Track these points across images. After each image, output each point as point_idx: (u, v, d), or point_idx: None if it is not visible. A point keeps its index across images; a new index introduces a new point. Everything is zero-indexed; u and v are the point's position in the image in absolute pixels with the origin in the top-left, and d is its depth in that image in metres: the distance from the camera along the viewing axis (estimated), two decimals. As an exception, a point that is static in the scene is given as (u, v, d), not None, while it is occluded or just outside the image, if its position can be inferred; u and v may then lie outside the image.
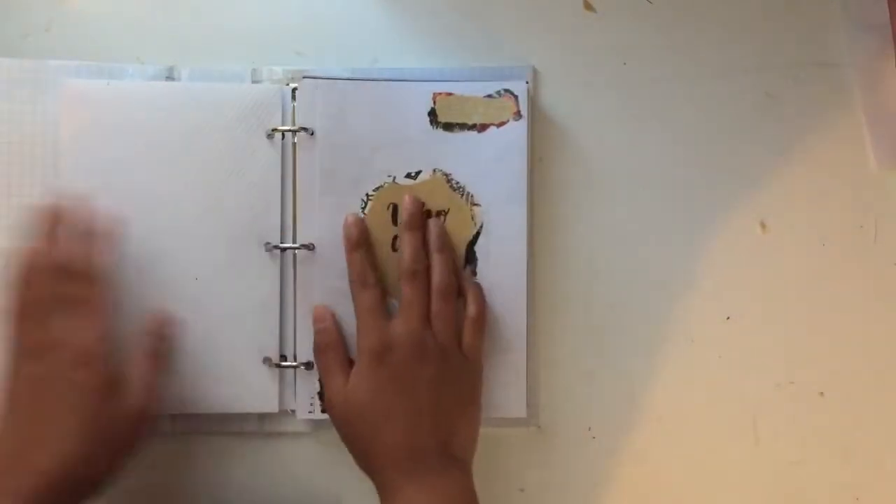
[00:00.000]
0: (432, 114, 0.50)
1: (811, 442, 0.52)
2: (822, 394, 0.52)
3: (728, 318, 0.52)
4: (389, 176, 0.50)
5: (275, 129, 0.50)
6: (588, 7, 0.54)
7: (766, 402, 0.52)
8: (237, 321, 0.49)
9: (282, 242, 0.50)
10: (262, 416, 0.50)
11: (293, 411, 0.50)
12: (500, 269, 0.50)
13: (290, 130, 0.50)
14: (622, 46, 0.54)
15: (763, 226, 0.53)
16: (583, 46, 0.54)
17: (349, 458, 0.46)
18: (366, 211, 0.49)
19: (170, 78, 0.51)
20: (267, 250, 0.49)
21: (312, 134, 0.50)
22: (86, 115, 0.49)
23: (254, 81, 0.51)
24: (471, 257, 0.50)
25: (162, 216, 0.49)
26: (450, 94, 0.50)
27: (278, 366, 0.49)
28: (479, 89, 0.50)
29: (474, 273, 0.50)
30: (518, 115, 0.50)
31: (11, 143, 0.49)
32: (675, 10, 0.54)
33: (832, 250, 0.53)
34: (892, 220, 0.53)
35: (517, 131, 0.50)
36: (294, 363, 0.49)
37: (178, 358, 0.48)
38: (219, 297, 0.49)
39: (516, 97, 0.50)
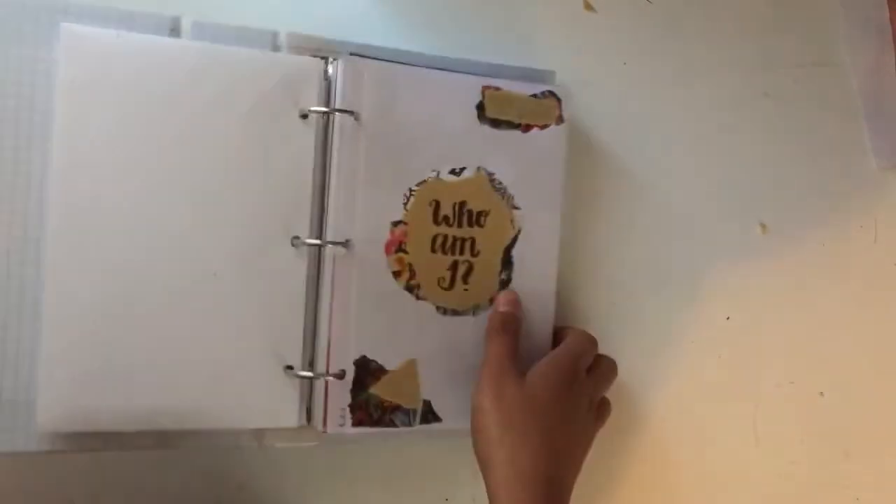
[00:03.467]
0: (480, 107, 0.48)
1: (811, 442, 0.52)
2: (822, 394, 0.52)
3: (728, 318, 0.52)
4: (433, 171, 0.47)
5: (312, 110, 0.44)
6: (588, 7, 0.54)
7: (766, 402, 0.52)
8: (257, 324, 0.44)
9: (310, 237, 0.44)
10: (274, 430, 0.45)
11: (322, 426, 0.45)
12: (533, 275, 0.48)
13: (328, 112, 0.45)
14: (622, 46, 0.54)
15: (763, 226, 0.53)
16: (583, 46, 0.54)
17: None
18: (408, 207, 0.46)
19: (174, 31, 0.43)
20: (294, 245, 0.44)
21: (357, 119, 0.45)
22: (89, 70, 0.42)
23: (273, 49, 0.45)
24: (507, 262, 0.48)
25: (173, 199, 0.43)
26: (498, 88, 0.48)
27: (299, 375, 0.44)
28: (524, 88, 0.49)
29: (510, 279, 0.48)
30: (560, 118, 0.49)
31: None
32: (675, 10, 0.54)
33: (832, 250, 0.53)
34: (892, 219, 0.53)
35: (558, 135, 0.49)
36: (325, 373, 0.44)
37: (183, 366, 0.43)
38: (236, 296, 0.43)
39: (559, 101, 0.49)
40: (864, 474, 0.52)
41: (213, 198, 0.43)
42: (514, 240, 0.48)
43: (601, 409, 0.48)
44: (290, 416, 0.44)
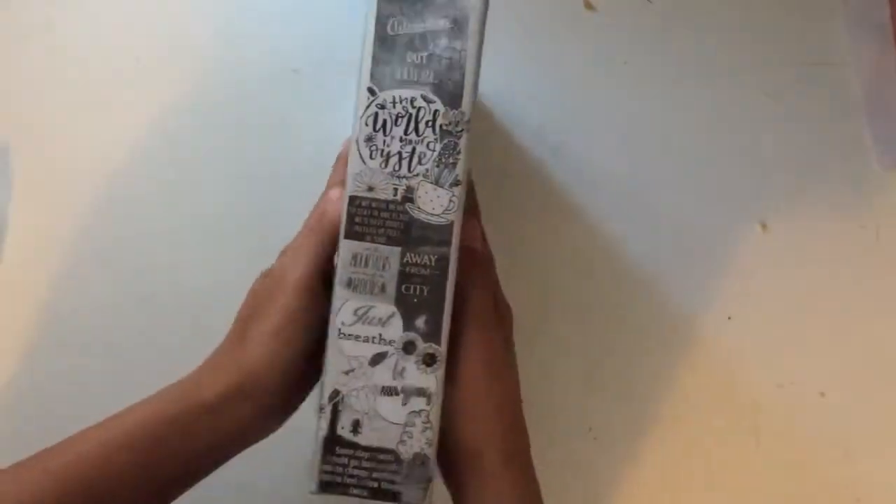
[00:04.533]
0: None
1: (811, 442, 0.52)
2: (822, 394, 0.52)
3: (728, 318, 0.52)
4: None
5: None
6: (588, 7, 0.54)
7: (766, 402, 0.52)
8: None
9: None
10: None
11: None
12: None
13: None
14: (622, 46, 0.54)
15: (763, 226, 0.53)
16: (583, 46, 0.54)
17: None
18: None
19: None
20: None
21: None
22: None
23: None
24: None
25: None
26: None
27: None
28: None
29: None
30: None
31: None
32: (675, 10, 0.54)
33: (833, 250, 0.53)
34: (893, 219, 0.53)
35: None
36: None
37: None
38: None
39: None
40: (864, 474, 0.52)
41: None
42: None
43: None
44: None
